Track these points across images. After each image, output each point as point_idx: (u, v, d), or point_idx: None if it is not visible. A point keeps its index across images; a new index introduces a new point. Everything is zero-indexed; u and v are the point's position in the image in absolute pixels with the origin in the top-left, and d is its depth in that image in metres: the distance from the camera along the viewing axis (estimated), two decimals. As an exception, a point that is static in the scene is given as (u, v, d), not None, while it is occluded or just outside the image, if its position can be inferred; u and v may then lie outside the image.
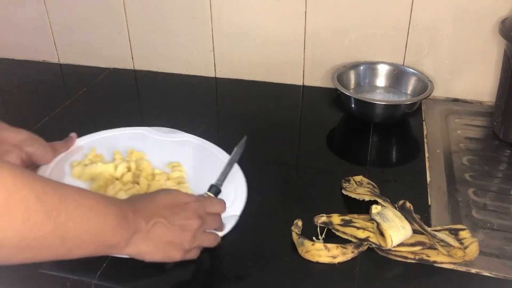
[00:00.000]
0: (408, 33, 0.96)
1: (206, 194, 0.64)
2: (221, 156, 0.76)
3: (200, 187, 0.66)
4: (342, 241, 0.61)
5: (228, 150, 0.75)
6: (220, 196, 0.65)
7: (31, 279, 0.60)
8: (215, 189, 0.65)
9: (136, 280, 0.57)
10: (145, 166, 0.72)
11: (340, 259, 0.59)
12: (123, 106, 1.01)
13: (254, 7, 1.00)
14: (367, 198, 0.68)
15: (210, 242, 0.58)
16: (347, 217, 0.64)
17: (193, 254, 0.57)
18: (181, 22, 1.06)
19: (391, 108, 0.87)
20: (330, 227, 0.63)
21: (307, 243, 0.60)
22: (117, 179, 0.70)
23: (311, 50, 1.02)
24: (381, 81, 0.99)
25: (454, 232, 0.62)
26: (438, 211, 0.68)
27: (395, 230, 0.59)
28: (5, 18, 1.17)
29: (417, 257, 0.59)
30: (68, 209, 0.43)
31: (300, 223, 0.64)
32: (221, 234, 0.61)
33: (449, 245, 0.59)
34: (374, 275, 0.58)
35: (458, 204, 0.70)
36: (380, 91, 0.98)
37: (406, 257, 0.59)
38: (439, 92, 0.99)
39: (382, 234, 0.59)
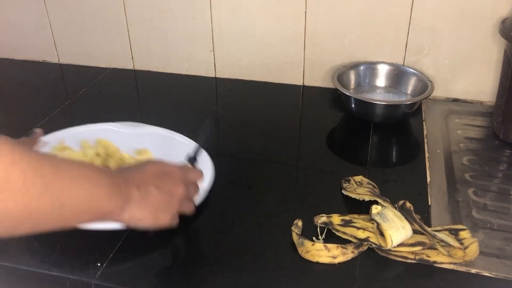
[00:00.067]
0: (408, 33, 0.96)
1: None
2: (188, 144, 0.77)
3: None
4: (342, 241, 0.61)
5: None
6: None
7: (30, 279, 0.60)
8: (193, 160, 0.68)
9: (136, 280, 0.57)
10: (114, 151, 0.73)
11: (340, 259, 0.59)
12: (123, 106, 1.01)
13: (254, 7, 1.00)
14: (367, 198, 0.68)
15: (190, 209, 0.62)
16: (347, 217, 0.64)
17: (175, 222, 0.60)
18: (181, 22, 1.06)
19: (391, 108, 0.87)
20: (330, 227, 0.63)
21: (307, 243, 0.60)
22: None
23: (311, 50, 1.02)
24: (381, 81, 0.99)
25: (454, 232, 0.62)
26: (438, 211, 0.68)
27: (395, 230, 0.59)
28: (5, 18, 1.17)
29: (417, 257, 0.59)
30: (63, 180, 0.45)
31: (300, 223, 0.64)
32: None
33: (449, 245, 0.59)
34: (374, 275, 0.58)
35: (458, 204, 0.70)
36: (380, 91, 0.98)
37: (406, 257, 0.59)
38: (439, 92, 0.99)
39: (382, 234, 0.59)
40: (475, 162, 0.80)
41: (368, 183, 0.71)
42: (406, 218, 0.61)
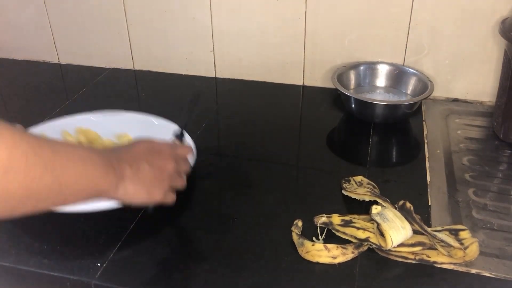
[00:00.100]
0: (408, 33, 0.96)
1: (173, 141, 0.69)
2: (166, 126, 0.80)
3: None
4: (342, 242, 0.61)
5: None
6: None
7: (30, 279, 0.60)
8: (180, 136, 0.71)
9: (136, 280, 0.57)
10: (95, 138, 0.77)
11: (340, 259, 0.59)
12: (123, 106, 1.00)
13: (254, 7, 1.00)
14: (367, 199, 0.68)
15: (182, 184, 0.64)
16: (347, 218, 0.64)
17: (170, 198, 0.62)
18: (181, 22, 1.06)
19: (391, 108, 0.87)
20: (330, 228, 0.63)
21: (307, 243, 0.60)
22: None
23: (311, 50, 1.02)
24: (381, 81, 0.99)
25: (454, 233, 0.62)
26: (438, 211, 0.68)
27: (395, 230, 0.59)
28: (5, 18, 1.17)
29: (417, 258, 0.59)
30: (62, 161, 0.47)
31: (300, 223, 0.64)
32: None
33: (449, 246, 0.59)
34: (374, 275, 0.58)
35: (458, 204, 0.70)
36: (380, 91, 0.98)
37: (406, 258, 0.59)
38: (439, 92, 0.99)
39: (382, 234, 0.59)
40: (475, 162, 0.80)
41: (368, 183, 0.71)
42: (406, 218, 0.61)
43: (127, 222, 0.66)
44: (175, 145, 0.66)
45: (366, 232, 0.61)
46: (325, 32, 0.99)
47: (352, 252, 0.60)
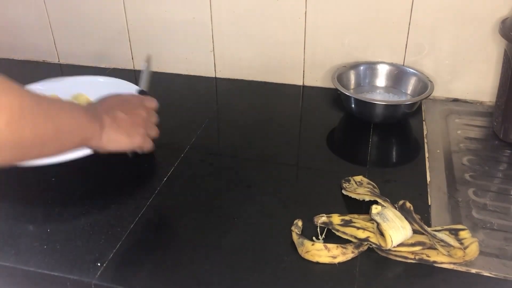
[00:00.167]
0: (408, 33, 0.96)
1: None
2: (119, 84, 0.87)
3: None
4: (342, 241, 0.61)
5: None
6: None
7: (30, 279, 0.60)
8: (144, 92, 0.77)
9: (136, 280, 0.57)
10: (54, 97, 0.81)
11: (340, 259, 0.59)
12: (123, 106, 1.01)
13: (254, 7, 1.00)
14: (367, 198, 0.68)
15: (156, 133, 0.72)
16: (347, 217, 0.64)
17: (148, 144, 0.69)
18: (181, 22, 1.06)
19: (391, 108, 0.87)
20: (330, 227, 0.63)
21: (307, 243, 0.60)
22: None
23: (311, 50, 1.02)
24: (381, 81, 0.99)
25: (454, 232, 0.62)
26: (438, 211, 0.68)
27: (395, 230, 0.59)
28: (5, 18, 1.17)
29: (417, 257, 0.59)
30: (57, 111, 0.53)
31: (300, 223, 0.64)
32: None
33: (449, 245, 0.59)
34: (374, 275, 0.58)
35: (458, 204, 0.70)
36: (380, 91, 0.98)
37: (406, 257, 0.59)
38: (439, 92, 0.99)
39: (382, 234, 0.59)
40: (475, 162, 0.80)
41: (368, 183, 0.71)
42: (406, 218, 0.61)
43: (127, 222, 0.66)
44: (141, 96, 0.74)
45: (366, 231, 0.61)
46: (325, 32, 0.99)
47: (352, 252, 0.60)
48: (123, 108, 0.66)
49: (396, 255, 0.60)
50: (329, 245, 0.59)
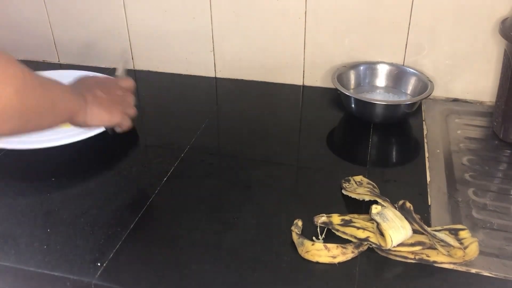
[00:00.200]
0: (408, 33, 0.96)
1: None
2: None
3: None
4: (342, 241, 0.61)
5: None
6: None
7: (31, 279, 0.60)
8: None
9: (136, 280, 0.57)
10: None
11: (340, 259, 0.59)
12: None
13: (254, 7, 1.00)
14: (367, 198, 0.68)
15: (133, 112, 0.75)
16: (347, 217, 0.64)
17: (127, 122, 0.73)
18: (181, 22, 1.06)
19: (391, 108, 0.87)
20: (330, 227, 0.63)
21: (307, 243, 0.60)
22: None
23: (311, 50, 1.02)
24: (381, 81, 0.99)
25: (454, 232, 0.62)
26: (438, 211, 0.68)
27: (395, 230, 0.59)
28: (5, 18, 1.17)
29: (417, 257, 0.59)
30: (49, 85, 0.57)
31: (300, 223, 0.64)
32: None
33: (449, 245, 0.59)
34: (374, 275, 0.58)
35: (458, 204, 0.70)
36: (380, 91, 0.98)
37: (406, 257, 0.59)
38: (439, 92, 0.99)
39: (382, 234, 0.59)
40: (475, 162, 0.80)
41: (368, 183, 0.71)
42: (406, 218, 0.61)
43: (127, 222, 0.66)
44: (116, 79, 0.79)
45: (366, 231, 0.61)
46: (325, 32, 0.99)
47: (352, 252, 0.60)
48: (100, 87, 0.70)
49: (396, 255, 0.60)
50: (329, 245, 0.59)
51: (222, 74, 1.11)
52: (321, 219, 0.64)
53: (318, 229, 0.63)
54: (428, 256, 0.59)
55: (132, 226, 0.65)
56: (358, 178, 0.73)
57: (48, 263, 0.60)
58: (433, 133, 0.87)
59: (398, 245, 0.59)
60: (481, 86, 0.97)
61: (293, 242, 0.62)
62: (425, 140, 0.85)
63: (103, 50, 1.15)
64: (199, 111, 0.97)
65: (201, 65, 1.11)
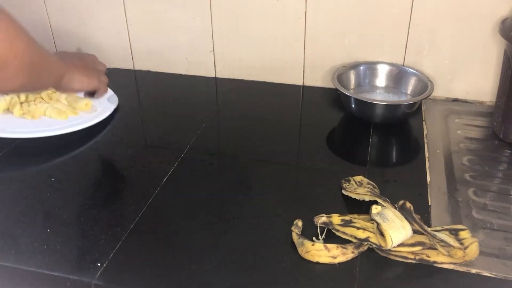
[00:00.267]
0: (408, 33, 0.96)
1: None
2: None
3: None
4: (342, 241, 0.61)
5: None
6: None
7: (30, 279, 0.60)
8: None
9: (136, 280, 0.57)
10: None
11: (340, 259, 0.59)
12: (123, 106, 1.01)
13: (254, 7, 1.00)
14: (367, 198, 0.68)
15: (106, 79, 0.90)
16: (347, 217, 0.64)
17: (104, 90, 0.88)
18: (181, 22, 1.06)
19: (391, 108, 0.87)
20: (330, 227, 0.63)
21: (307, 243, 0.60)
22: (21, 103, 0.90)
23: (311, 50, 1.02)
24: (381, 81, 0.99)
25: (454, 232, 0.62)
26: (438, 211, 0.68)
27: (395, 230, 0.59)
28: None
29: (417, 258, 0.59)
30: (43, 49, 0.66)
31: (300, 223, 0.64)
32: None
33: (449, 245, 0.59)
34: (374, 275, 0.58)
35: (458, 204, 0.70)
36: (380, 91, 0.98)
37: (406, 257, 0.59)
38: (439, 92, 0.99)
39: (382, 234, 0.59)
40: (475, 162, 0.80)
41: (368, 183, 0.71)
42: (406, 218, 0.61)
43: (127, 222, 0.66)
44: (90, 54, 0.95)
45: (366, 232, 0.61)
46: (325, 32, 0.99)
47: (352, 252, 0.60)
48: (78, 59, 0.85)
49: (396, 255, 0.60)
50: (329, 245, 0.59)
51: (222, 74, 1.11)
52: (321, 219, 0.64)
53: (318, 229, 0.63)
54: (428, 256, 0.59)
55: (132, 226, 0.65)
56: (358, 178, 0.73)
57: (48, 263, 0.59)
58: (433, 133, 0.87)
59: (398, 245, 0.59)
60: (481, 86, 0.97)
61: (293, 242, 0.62)
62: (425, 140, 0.85)
63: (103, 50, 1.15)
64: (199, 111, 0.97)
65: (201, 65, 1.11)
